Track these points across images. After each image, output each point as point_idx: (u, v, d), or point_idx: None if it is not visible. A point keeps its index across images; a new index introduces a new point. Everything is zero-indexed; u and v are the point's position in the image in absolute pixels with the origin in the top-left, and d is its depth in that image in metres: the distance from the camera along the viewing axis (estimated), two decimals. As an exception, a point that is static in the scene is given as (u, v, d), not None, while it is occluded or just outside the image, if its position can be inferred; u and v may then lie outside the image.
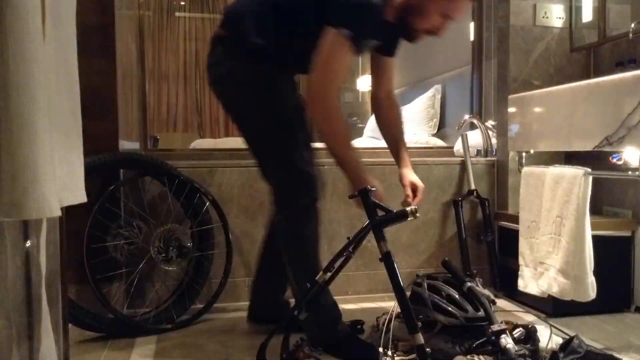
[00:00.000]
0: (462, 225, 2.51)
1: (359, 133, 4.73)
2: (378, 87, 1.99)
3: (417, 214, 1.50)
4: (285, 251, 1.78)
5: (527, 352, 1.59)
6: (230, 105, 1.84)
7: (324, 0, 1.61)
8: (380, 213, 1.57)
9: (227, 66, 1.78)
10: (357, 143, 4.06)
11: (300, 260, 1.76)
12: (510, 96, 2.42)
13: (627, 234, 2.20)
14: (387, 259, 1.50)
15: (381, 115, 1.99)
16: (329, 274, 1.56)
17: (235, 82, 1.76)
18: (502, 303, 2.38)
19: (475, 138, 2.78)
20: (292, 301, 1.97)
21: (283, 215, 1.78)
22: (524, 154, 2.43)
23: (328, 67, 1.60)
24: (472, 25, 2.89)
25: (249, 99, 1.74)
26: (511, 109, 2.39)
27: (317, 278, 1.55)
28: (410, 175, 1.86)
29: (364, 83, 5.78)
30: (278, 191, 1.78)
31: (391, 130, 1.97)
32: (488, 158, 2.68)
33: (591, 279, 1.87)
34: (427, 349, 1.41)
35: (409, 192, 1.81)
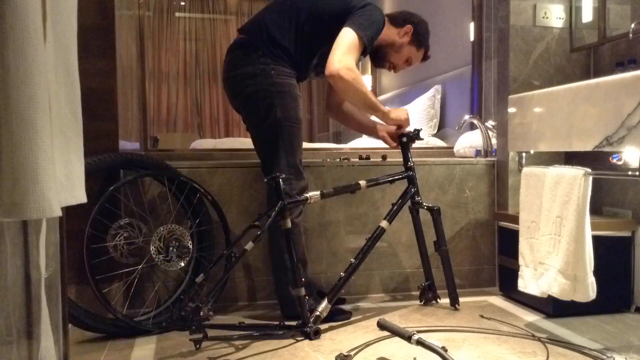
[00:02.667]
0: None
1: (359, 133, 4.73)
2: (337, 99, 2.45)
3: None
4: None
5: None
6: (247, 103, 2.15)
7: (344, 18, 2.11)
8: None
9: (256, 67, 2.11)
10: (357, 143, 4.06)
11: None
12: (510, 96, 2.42)
13: (627, 234, 2.20)
14: (287, 234, 1.95)
15: (348, 114, 2.49)
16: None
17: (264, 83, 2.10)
18: (502, 303, 2.38)
19: (475, 138, 2.78)
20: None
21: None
22: (524, 154, 2.43)
23: (347, 48, 2.04)
24: (472, 25, 2.89)
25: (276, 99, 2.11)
26: (511, 109, 2.39)
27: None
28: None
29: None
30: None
31: (358, 116, 2.50)
32: (488, 158, 2.68)
33: (591, 279, 1.87)
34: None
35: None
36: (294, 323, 1.97)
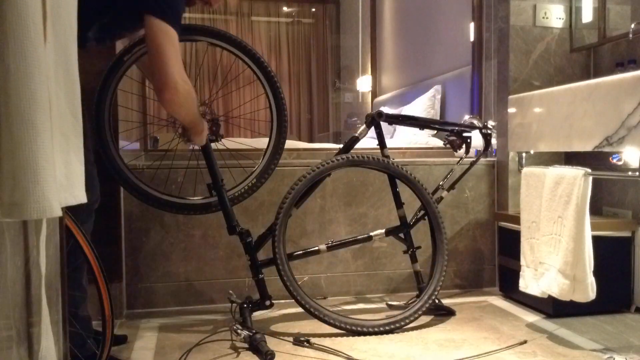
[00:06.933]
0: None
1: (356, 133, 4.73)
2: None
3: None
4: None
5: None
6: None
7: None
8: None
9: None
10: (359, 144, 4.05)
11: None
12: (510, 96, 2.42)
13: (627, 234, 2.20)
14: None
15: None
16: None
17: None
18: (502, 304, 2.38)
19: (475, 138, 2.78)
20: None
21: None
22: (523, 155, 2.43)
23: (165, 57, 1.63)
24: (472, 25, 2.89)
25: None
26: (511, 109, 2.39)
27: None
28: None
29: (364, 83, 5.78)
30: None
31: None
32: (488, 158, 2.68)
33: (591, 280, 1.87)
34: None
35: None
36: None
